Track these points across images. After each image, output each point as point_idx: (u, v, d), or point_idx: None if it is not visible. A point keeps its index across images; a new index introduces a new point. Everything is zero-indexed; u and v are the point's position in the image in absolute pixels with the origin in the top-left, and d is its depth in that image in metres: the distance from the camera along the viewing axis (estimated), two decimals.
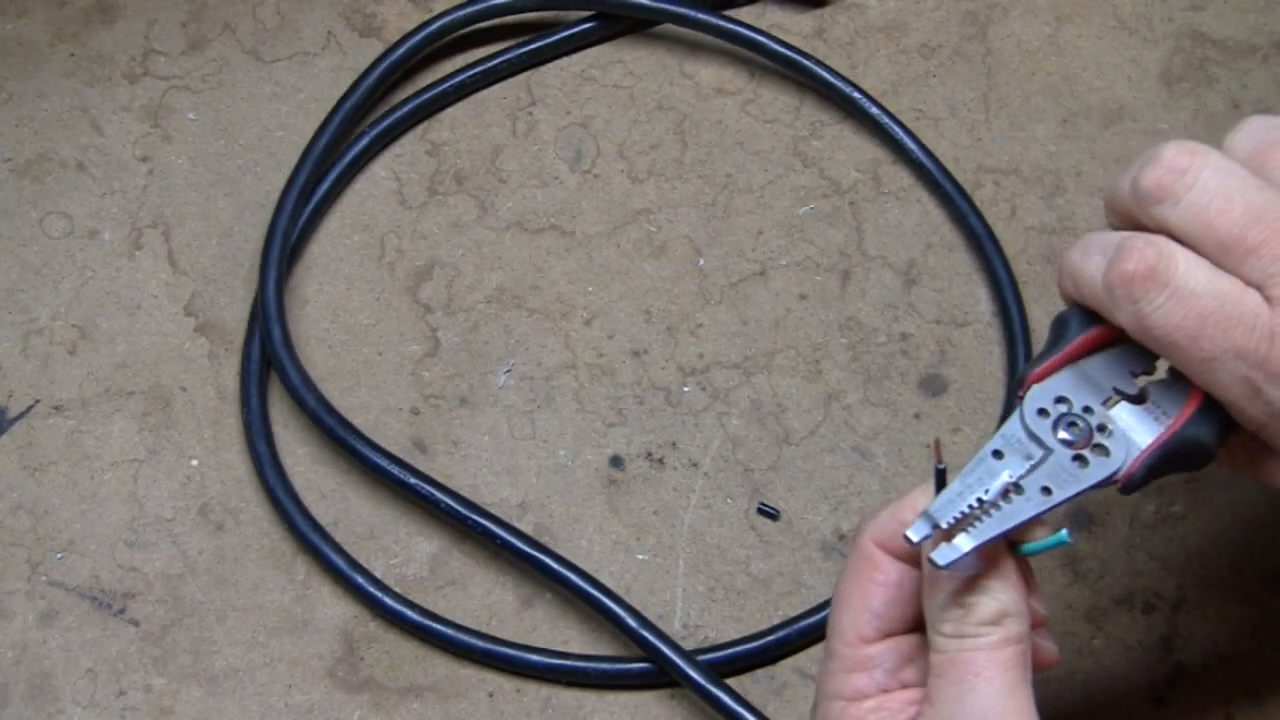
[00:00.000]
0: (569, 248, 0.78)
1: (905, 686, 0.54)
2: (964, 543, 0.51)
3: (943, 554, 0.51)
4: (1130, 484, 0.54)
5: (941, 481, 0.53)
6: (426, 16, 0.83)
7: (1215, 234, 0.52)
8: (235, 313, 0.76)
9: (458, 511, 0.70)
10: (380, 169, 0.80)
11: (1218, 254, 0.52)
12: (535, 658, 0.69)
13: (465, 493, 0.72)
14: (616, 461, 0.74)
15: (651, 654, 0.68)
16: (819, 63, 0.80)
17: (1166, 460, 0.54)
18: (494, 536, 0.70)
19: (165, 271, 0.77)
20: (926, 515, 0.52)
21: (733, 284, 0.77)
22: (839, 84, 0.80)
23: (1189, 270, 0.52)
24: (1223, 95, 0.82)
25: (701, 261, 0.78)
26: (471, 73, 0.81)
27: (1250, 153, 0.54)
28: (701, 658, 0.68)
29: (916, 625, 0.55)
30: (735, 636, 0.70)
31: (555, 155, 0.81)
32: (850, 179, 0.80)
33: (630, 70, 0.83)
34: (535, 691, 0.69)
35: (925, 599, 0.53)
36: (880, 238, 0.78)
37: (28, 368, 0.75)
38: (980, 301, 0.77)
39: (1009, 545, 0.53)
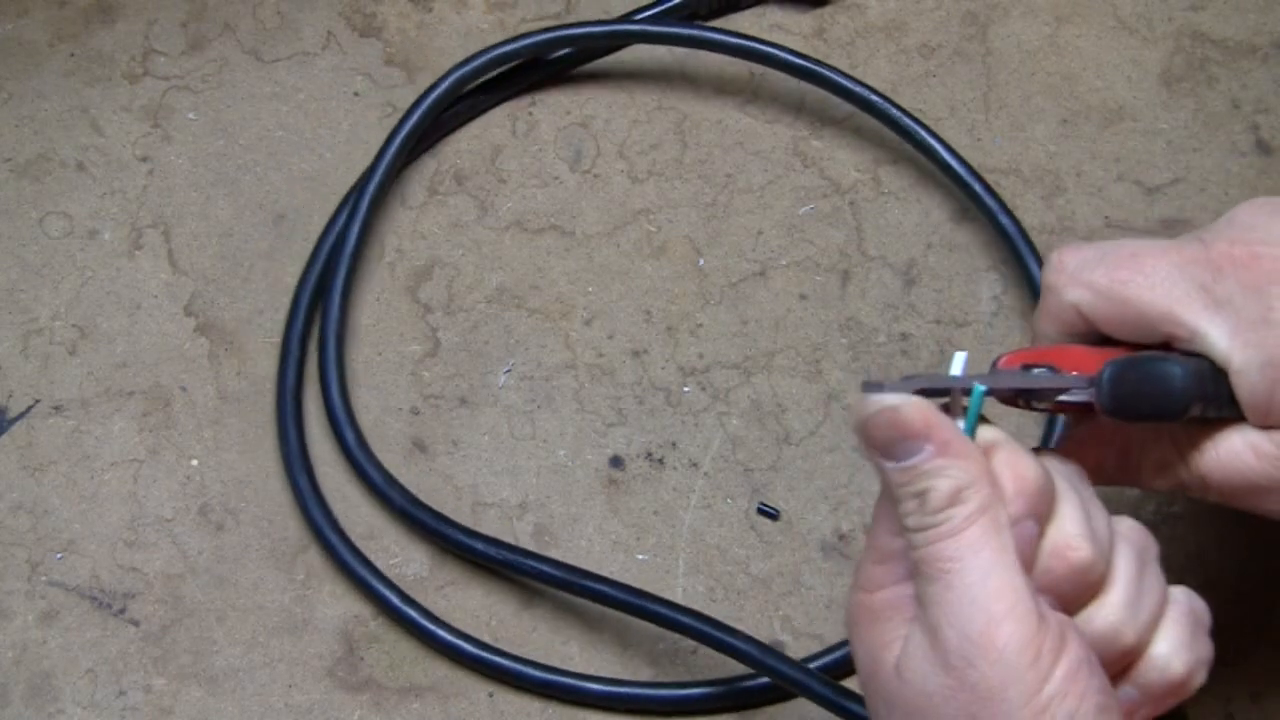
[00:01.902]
0: (569, 248, 0.78)
1: None
2: (894, 384, 0.50)
3: (873, 388, 0.50)
4: (1099, 386, 0.52)
5: None
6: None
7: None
8: (235, 313, 0.76)
9: (579, 584, 0.69)
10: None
11: None
12: (537, 673, 0.68)
13: (465, 493, 0.72)
14: (616, 461, 0.74)
15: (774, 675, 0.65)
16: (821, 63, 0.79)
17: (1134, 381, 0.52)
18: (606, 598, 0.68)
19: (165, 271, 0.77)
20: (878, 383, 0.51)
21: (733, 284, 0.77)
22: (845, 82, 0.79)
23: (1104, 239, 0.57)
24: (1223, 95, 0.82)
25: (701, 261, 0.78)
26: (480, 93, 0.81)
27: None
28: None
29: None
30: None
31: (555, 155, 0.81)
32: (850, 179, 0.80)
33: (630, 70, 0.83)
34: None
35: (889, 502, 0.51)
36: (880, 238, 0.78)
37: (28, 368, 0.75)
38: (980, 301, 0.77)
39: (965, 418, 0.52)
